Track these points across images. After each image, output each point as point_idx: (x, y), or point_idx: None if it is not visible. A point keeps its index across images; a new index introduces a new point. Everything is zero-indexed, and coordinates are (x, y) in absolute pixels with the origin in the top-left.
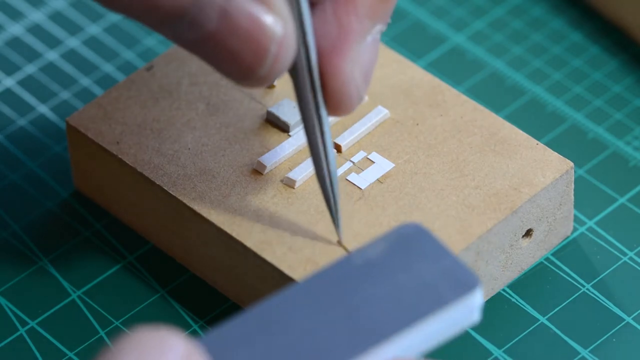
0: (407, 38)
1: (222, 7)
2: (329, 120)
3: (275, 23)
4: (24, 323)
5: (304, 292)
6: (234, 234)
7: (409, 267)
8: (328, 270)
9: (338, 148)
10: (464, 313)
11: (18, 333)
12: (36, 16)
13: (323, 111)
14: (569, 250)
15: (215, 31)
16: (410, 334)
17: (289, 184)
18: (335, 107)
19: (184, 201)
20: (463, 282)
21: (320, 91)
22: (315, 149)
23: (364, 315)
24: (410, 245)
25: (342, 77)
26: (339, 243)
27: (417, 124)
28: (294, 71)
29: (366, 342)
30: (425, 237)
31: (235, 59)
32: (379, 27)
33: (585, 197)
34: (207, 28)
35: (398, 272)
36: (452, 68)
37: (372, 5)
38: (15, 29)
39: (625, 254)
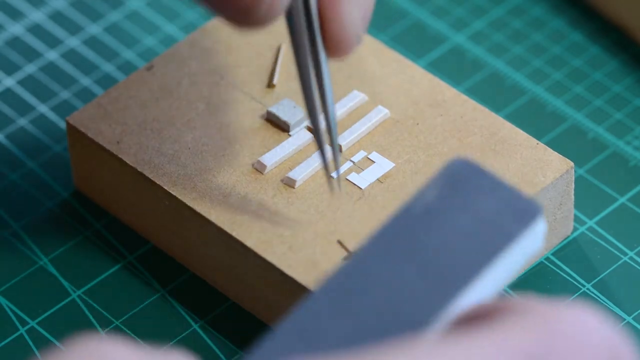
0: (407, 38)
1: None
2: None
3: None
4: (24, 323)
5: (373, 253)
6: (234, 234)
7: (469, 205)
8: (391, 225)
9: (338, 148)
10: (530, 241)
11: (18, 333)
12: (36, 16)
13: (322, 54)
14: (569, 250)
15: None
16: (487, 274)
17: (289, 183)
18: (334, 48)
19: (184, 201)
20: (526, 212)
21: (320, 33)
22: (310, 95)
23: (438, 265)
24: (464, 183)
25: (341, 16)
26: (339, 243)
27: (417, 124)
28: (290, 14)
29: (449, 291)
30: (476, 171)
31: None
32: None
33: (585, 197)
34: None
35: (459, 213)
36: (452, 68)
37: None
38: (15, 29)
39: (625, 254)
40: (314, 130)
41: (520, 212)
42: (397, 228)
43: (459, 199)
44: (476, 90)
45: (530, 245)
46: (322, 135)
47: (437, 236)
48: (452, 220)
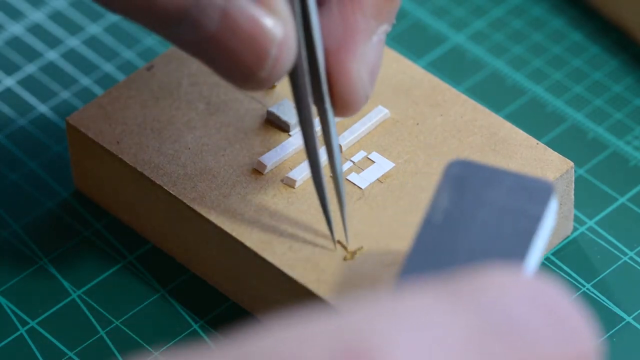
0: (407, 38)
1: (223, 9)
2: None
3: (276, 25)
4: (24, 323)
5: (411, 272)
6: (234, 234)
7: (484, 200)
8: (417, 241)
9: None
10: (550, 219)
11: (18, 333)
12: (36, 16)
13: (329, 112)
14: (569, 250)
15: (216, 33)
16: (527, 261)
17: (289, 183)
18: (342, 107)
19: (184, 201)
20: (541, 191)
21: (327, 92)
22: (313, 153)
23: (478, 264)
24: (470, 181)
25: (348, 76)
26: (339, 242)
27: (417, 124)
28: (294, 74)
29: None
30: (476, 168)
31: (235, 61)
32: (385, 27)
33: (585, 197)
34: (207, 29)
35: (478, 210)
36: (452, 68)
37: (377, 5)
38: (15, 29)
39: (625, 254)
40: (318, 190)
41: (536, 193)
42: (425, 243)
43: (472, 197)
44: (476, 90)
45: (550, 223)
46: (327, 194)
47: (467, 237)
48: (474, 219)
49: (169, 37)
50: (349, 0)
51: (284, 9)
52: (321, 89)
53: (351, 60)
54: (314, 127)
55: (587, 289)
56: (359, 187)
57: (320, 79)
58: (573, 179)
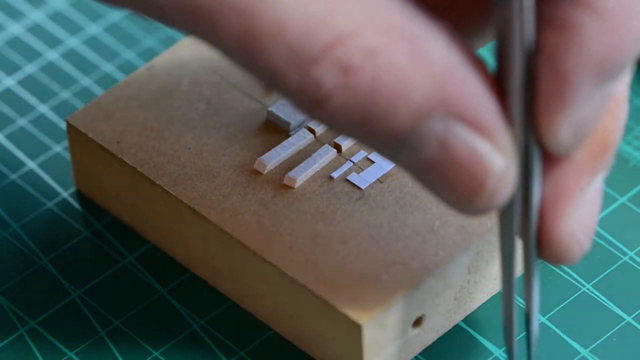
0: None
1: (442, 137)
2: None
3: (496, 158)
4: (24, 323)
5: None
6: (234, 234)
7: None
8: None
9: (338, 148)
10: None
11: (18, 333)
12: (36, 16)
13: (534, 258)
14: None
15: (432, 160)
16: None
17: (289, 183)
18: (553, 261)
19: (184, 201)
20: None
21: (534, 237)
22: (509, 312)
23: None
24: None
25: (560, 238)
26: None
27: None
28: (504, 212)
29: None
30: None
31: (451, 189)
32: (600, 177)
33: None
34: (423, 156)
35: None
36: None
37: (588, 162)
38: (15, 29)
39: (625, 254)
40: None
41: None
42: None
43: None
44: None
45: None
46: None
47: None
48: None
49: (390, 157)
50: (557, 160)
51: (507, 143)
52: (528, 237)
53: (562, 222)
54: (514, 271)
55: (587, 289)
56: (358, 187)
57: (530, 225)
58: None
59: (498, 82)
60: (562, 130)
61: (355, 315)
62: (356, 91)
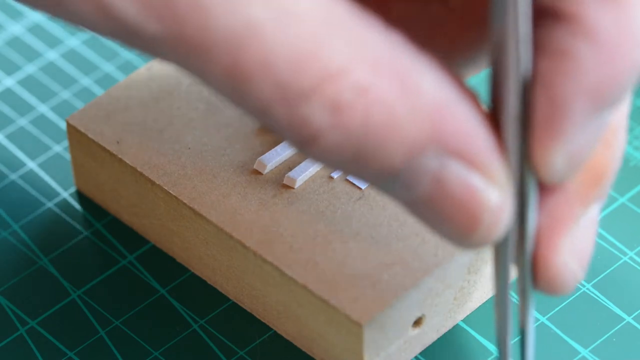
0: None
1: (436, 173)
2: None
3: (491, 193)
4: (24, 323)
5: None
6: (234, 234)
7: None
8: None
9: None
10: None
11: (18, 333)
12: (36, 16)
13: (529, 287)
14: None
15: (426, 196)
16: None
17: (289, 183)
18: (547, 292)
19: (184, 201)
20: None
21: (530, 268)
22: (504, 340)
23: None
24: None
25: (552, 270)
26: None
27: None
28: (502, 241)
29: None
30: None
31: (447, 224)
32: (595, 206)
33: None
34: (418, 192)
35: None
36: None
37: (582, 191)
38: (15, 29)
39: (625, 254)
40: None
41: None
42: None
43: None
44: (476, 90)
45: None
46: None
47: None
48: None
49: (384, 192)
50: (551, 190)
51: (502, 176)
52: (524, 267)
53: (555, 253)
54: (509, 299)
55: (587, 289)
56: (358, 187)
57: (525, 257)
58: None
59: (491, 114)
60: (556, 158)
61: (355, 315)
62: (347, 129)
